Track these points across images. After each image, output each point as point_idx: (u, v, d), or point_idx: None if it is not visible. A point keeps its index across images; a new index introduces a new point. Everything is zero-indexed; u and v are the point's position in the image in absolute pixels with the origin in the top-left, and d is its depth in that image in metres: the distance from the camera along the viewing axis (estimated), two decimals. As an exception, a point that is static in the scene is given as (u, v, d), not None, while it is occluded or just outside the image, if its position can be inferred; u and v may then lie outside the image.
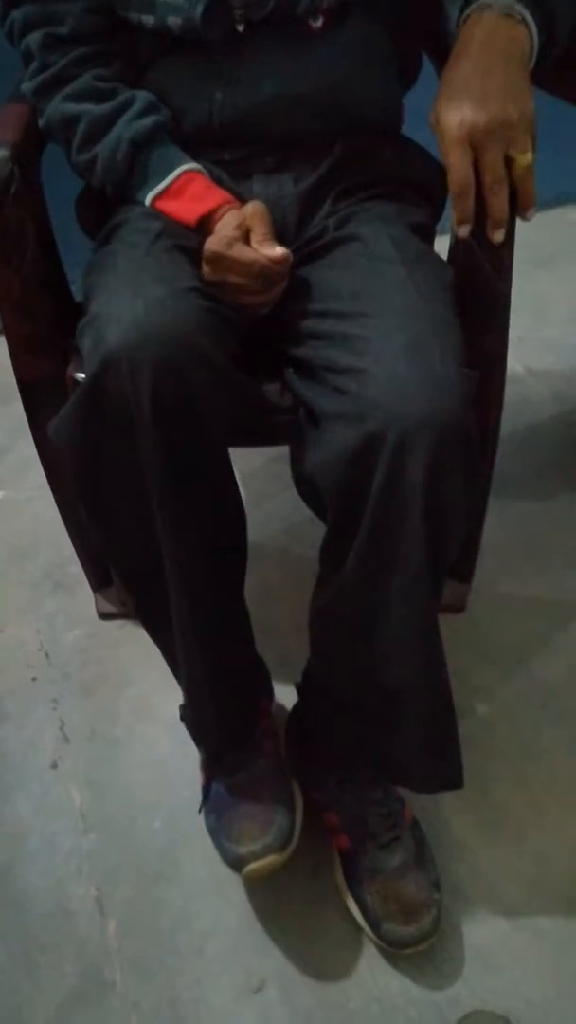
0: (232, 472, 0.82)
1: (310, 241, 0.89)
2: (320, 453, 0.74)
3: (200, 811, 0.92)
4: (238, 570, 0.88)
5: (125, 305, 0.70)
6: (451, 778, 0.84)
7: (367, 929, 0.88)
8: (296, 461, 0.80)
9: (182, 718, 0.95)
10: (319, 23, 0.83)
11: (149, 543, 0.77)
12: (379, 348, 0.72)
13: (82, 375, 0.90)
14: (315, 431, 0.77)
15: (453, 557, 0.77)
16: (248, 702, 0.93)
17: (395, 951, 0.86)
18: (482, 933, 0.89)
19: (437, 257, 0.88)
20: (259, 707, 0.95)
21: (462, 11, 0.80)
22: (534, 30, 0.77)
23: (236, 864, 0.86)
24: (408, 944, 0.86)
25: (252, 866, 0.85)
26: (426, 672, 0.79)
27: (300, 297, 0.85)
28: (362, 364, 0.72)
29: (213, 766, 0.92)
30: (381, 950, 0.88)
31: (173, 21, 0.82)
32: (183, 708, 0.94)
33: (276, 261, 0.78)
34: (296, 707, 0.99)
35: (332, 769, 0.92)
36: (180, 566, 0.78)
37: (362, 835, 0.90)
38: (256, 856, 0.85)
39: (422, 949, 0.86)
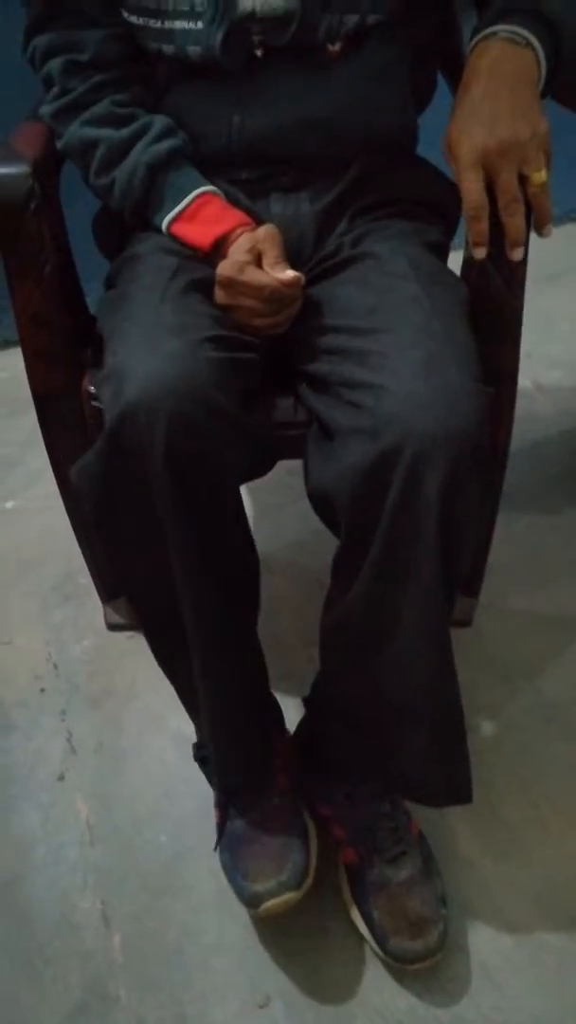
0: (245, 517, 0.82)
1: (326, 258, 0.90)
2: (335, 467, 0.75)
3: (215, 848, 0.92)
4: (252, 610, 0.88)
5: (141, 360, 0.72)
6: (460, 792, 0.84)
7: (373, 944, 0.88)
8: (310, 475, 0.81)
9: (196, 758, 0.95)
10: (337, 48, 0.84)
11: (165, 587, 0.78)
12: (395, 364, 0.73)
13: (94, 387, 0.91)
14: (329, 445, 0.78)
15: (466, 570, 0.77)
16: (263, 741, 0.92)
17: (402, 967, 0.86)
18: (488, 950, 0.89)
19: (452, 274, 0.88)
20: (273, 745, 0.95)
21: (472, 36, 0.82)
22: (541, 55, 0.79)
23: (252, 902, 0.86)
24: (415, 959, 0.85)
25: (268, 904, 0.85)
26: (437, 685, 0.79)
27: (315, 314, 0.86)
28: (378, 379, 0.73)
29: (228, 804, 0.92)
30: (387, 966, 0.88)
31: (193, 51, 0.83)
32: (197, 747, 0.95)
33: (287, 284, 0.79)
34: (303, 721, 0.99)
35: (339, 783, 0.92)
36: (196, 610, 0.78)
37: (369, 849, 0.90)
38: (272, 894, 0.85)
39: (428, 965, 0.86)
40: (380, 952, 0.87)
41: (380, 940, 0.87)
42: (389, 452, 0.69)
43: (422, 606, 0.74)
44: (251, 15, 0.81)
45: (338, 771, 0.93)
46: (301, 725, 1.00)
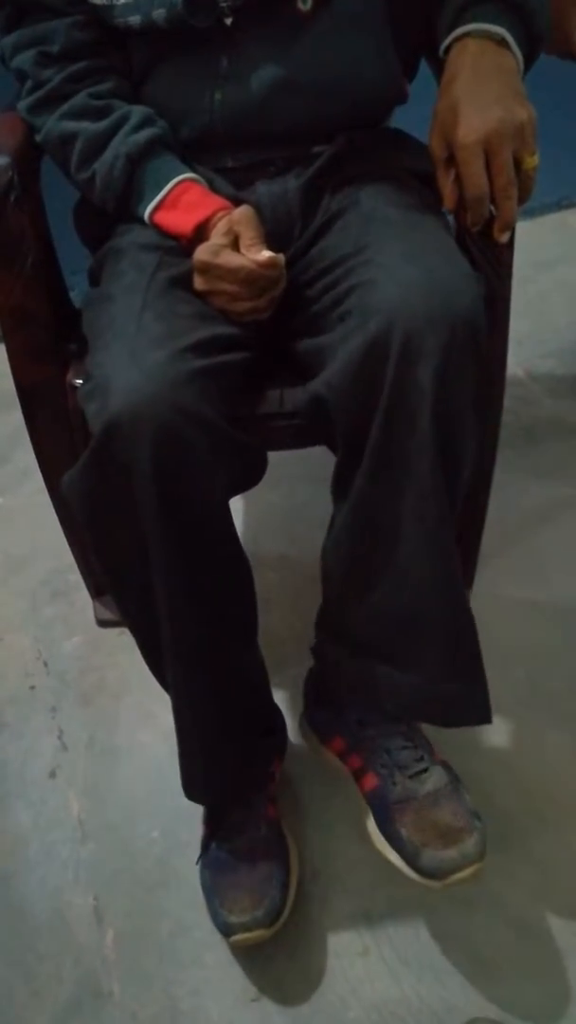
0: (234, 530, 0.81)
1: (314, 226, 0.90)
2: (328, 372, 0.74)
3: (197, 863, 0.91)
4: (243, 628, 0.86)
5: (124, 374, 0.72)
6: (478, 708, 0.81)
7: (406, 869, 0.82)
8: (306, 388, 0.79)
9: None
10: (308, 6, 0.83)
11: (153, 601, 0.77)
12: (381, 260, 0.73)
13: (79, 381, 0.90)
14: (323, 360, 0.77)
15: (466, 484, 0.76)
16: (246, 766, 0.90)
17: (440, 881, 0.79)
18: (483, 940, 0.88)
19: (434, 204, 0.86)
20: (266, 772, 0.93)
21: (441, 27, 0.81)
22: (516, 49, 0.79)
23: (224, 930, 0.85)
24: (451, 870, 0.79)
25: (239, 936, 0.84)
26: (443, 595, 0.77)
27: (306, 269, 0.85)
28: (366, 277, 0.72)
29: (214, 826, 0.91)
30: (380, 958, 0.87)
31: (158, 15, 0.81)
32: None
33: (263, 265, 0.78)
34: (312, 670, 0.97)
35: (353, 713, 0.90)
36: (175, 627, 0.78)
37: (389, 768, 0.86)
38: (245, 927, 0.84)
39: (467, 876, 0.79)
40: (414, 875, 0.81)
41: (411, 858, 0.81)
42: (378, 339, 0.68)
43: (420, 509, 0.73)
44: None
45: (349, 702, 0.90)
46: (310, 675, 0.98)
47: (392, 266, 0.71)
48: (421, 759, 0.87)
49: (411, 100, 0.97)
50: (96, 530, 0.76)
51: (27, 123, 0.91)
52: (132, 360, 0.72)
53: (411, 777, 0.85)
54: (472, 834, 0.81)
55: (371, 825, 0.88)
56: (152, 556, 0.74)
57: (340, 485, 0.79)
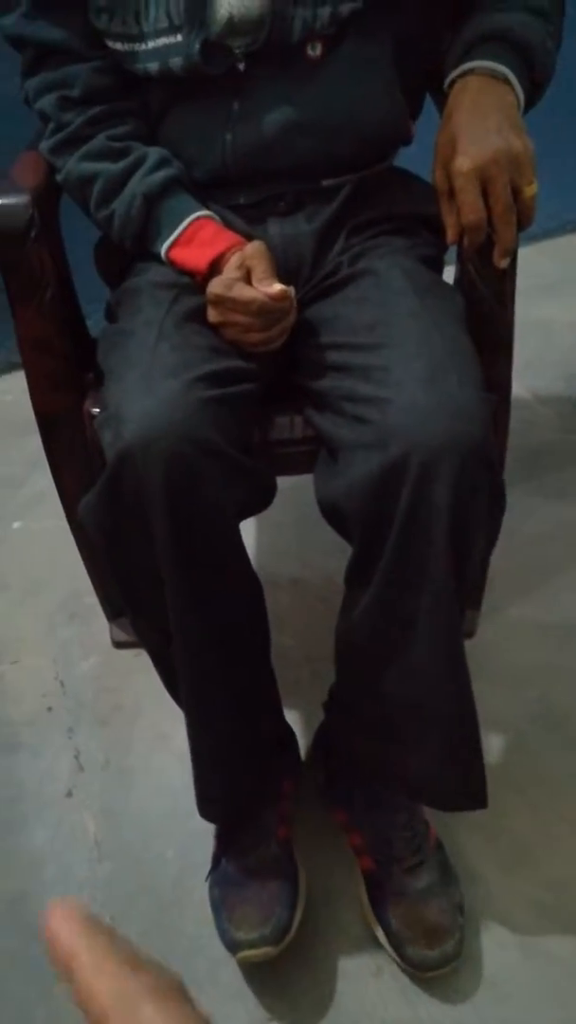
0: (244, 552, 0.83)
1: (326, 278, 0.92)
2: (343, 481, 0.76)
3: (207, 879, 0.92)
4: (255, 649, 0.88)
5: (138, 403, 0.74)
6: (476, 795, 0.84)
7: (391, 951, 0.88)
8: (319, 488, 0.82)
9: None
10: (317, 52, 0.85)
11: (167, 622, 0.79)
12: (398, 377, 0.75)
13: (96, 410, 0.93)
14: (336, 462, 0.79)
15: (476, 575, 0.78)
16: (258, 784, 0.91)
17: (419, 974, 0.87)
18: (494, 961, 0.89)
19: (448, 286, 0.90)
20: (279, 791, 0.94)
21: (446, 64, 0.84)
22: (518, 88, 0.82)
23: (231, 947, 0.87)
24: (431, 967, 0.86)
25: (245, 953, 0.86)
26: (451, 690, 0.80)
27: (317, 332, 0.87)
28: (382, 393, 0.74)
29: (225, 843, 0.92)
30: (392, 978, 0.88)
31: (175, 63, 0.85)
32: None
33: (275, 298, 0.80)
34: (322, 725, 1.00)
35: (357, 790, 0.93)
36: (188, 648, 0.80)
37: (387, 858, 0.90)
38: (252, 945, 0.85)
39: (445, 972, 0.86)
40: (398, 959, 0.87)
41: (397, 947, 0.87)
42: (396, 464, 0.71)
43: (434, 613, 0.75)
44: (229, 21, 0.83)
45: (356, 776, 0.93)
46: (319, 732, 1.00)
47: (410, 388, 0.73)
48: (418, 850, 0.90)
49: (419, 135, 1.00)
50: (112, 554, 0.79)
51: (49, 162, 0.94)
52: (146, 389, 0.75)
53: (406, 871, 0.89)
54: (454, 935, 0.87)
55: (364, 899, 0.92)
56: (165, 579, 0.76)
57: (355, 576, 0.81)
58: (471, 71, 0.82)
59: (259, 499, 0.84)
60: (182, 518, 0.73)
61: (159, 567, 0.75)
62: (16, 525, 1.48)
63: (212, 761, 0.87)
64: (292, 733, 0.99)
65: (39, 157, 0.95)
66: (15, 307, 0.93)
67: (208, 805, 0.89)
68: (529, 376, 1.63)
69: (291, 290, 0.81)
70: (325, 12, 0.82)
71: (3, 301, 0.93)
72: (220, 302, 0.81)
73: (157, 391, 0.74)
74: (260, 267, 0.82)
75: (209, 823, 0.95)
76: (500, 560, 1.16)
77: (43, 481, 1.07)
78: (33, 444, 1.03)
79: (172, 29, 0.83)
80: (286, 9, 0.82)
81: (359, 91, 0.88)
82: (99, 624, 1.25)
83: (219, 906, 0.89)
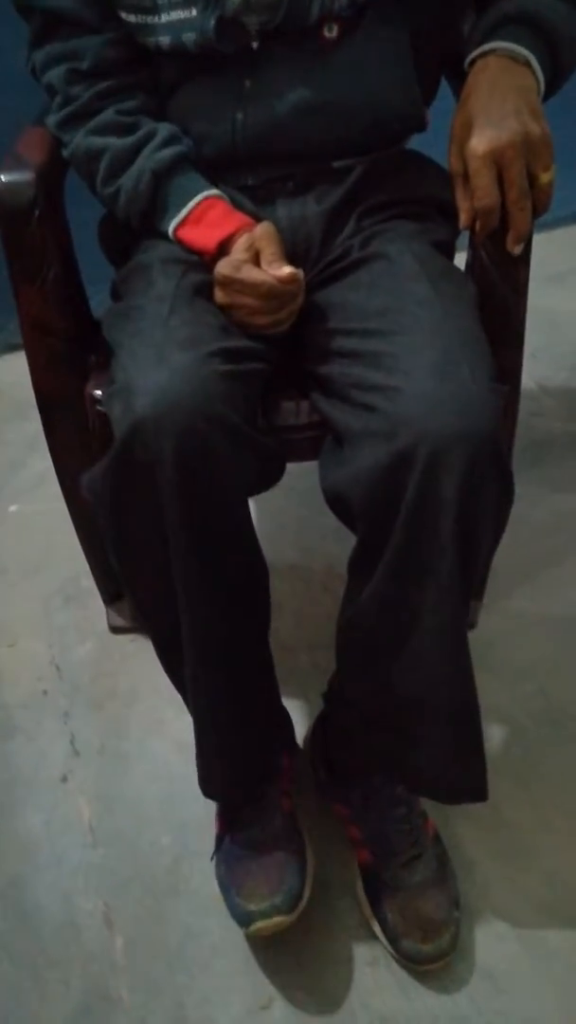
0: (253, 532, 0.82)
1: (335, 261, 0.90)
2: (350, 470, 0.75)
3: (212, 859, 0.92)
4: (257, 624, 0.87)
5: (151, 375, 0.73)
6: (476, 789, 0.83)
7: (386, 944, 0.88)
8: (324, 477, 0.81)
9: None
10: (334, 34, 0.84)
11: (171, 599, 0.78)
12: (408, 365, 0.73)
13: (99, 392, 0.91)
14: (342, 449, 0.78)
15: (484, 570, 0.77)
16: (260, 759, 0.91)
17: (413, 967, 0.87)
18: (491, 953, 0.88)
19: (460, 273, 0.89)
20: (279, 766, 0.94)
21: (469, 47, 0.82)
22: (539, 72, 0.80)
23: (243, 920, 0.86)
24: (426, 961, 0.86)
25: (258, 924, 0.85)
26: (454, 683, 0.79)
27: (326, 317, 0.86)
28: (391, 381, 0.73)
29: (228, 818, 0.92)
30: (390, 969, 0.88)
31: (188, 38, 0.83)
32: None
33: (284, 281, 0.79)
34: (321, 716, 0.99)
35: (356, 784, 0.92)
36: (194, 624, 0.79)
37: (384, 852, 0.90)
38: (264, 915, 0.85)
39: (440, 966, 0.86)
40: (393, 952, 0.87)
41: (392, 940, 0.87)
42: (404, 454, 0.69)
43: (439, 606, 0.74)
44: (245, 1, 0.81)
45: (355, 768, 0.93)
46: (317, 724, 0.99)
47: (420, 377, 0.72)
48: (415, 843, 0.90)
49: (434, 119, 0.98)
50: (117, 528, 0.77)
51: (54, 138, 0.92)
52: (159, 362, 0.73)
53: (403, 865, 0.89)
54: (449, 928, 0.87)
55: (360, 891, 0.92)
56: (172, 554, 0.75)
57: (358, 566, 0.80)
58: (492, 51, 0.80)
59: (270, 475, 0.84)
60: (193, 492, 0.72)
61: (165, 540, 0.75)
62: (13, 508, 1.47)
63: (217, 737, 0.86)
64: (286, 711, 0.98)
65: (45, 133, 0.93)
66: (17, 287, 0.92)
67: (212, 782, 0.89)
68: (536, 366, 1.62)
69: (300, 273, 0.80)
70: None
71: (5, 280, 0.92)
72: (228, 283, 0.80)
73: (170, 363, 0.73)
74: (269, 249, 0.80)
75: (205, 810, 0.95)
76: (504, 551, 1.14)
77: (42, 464, 1.06)
78: (31, 427, 1.02)
79: (187, 3, 0.81)
80: None
81: (374, 75, 0.86)
82: (96, 608, 1.24)
83: (227, 883, 0.89)
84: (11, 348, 1.77)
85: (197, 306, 0.81)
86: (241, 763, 0.88)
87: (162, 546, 0.75)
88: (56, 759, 1.09)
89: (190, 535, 0.74)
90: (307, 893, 0.88)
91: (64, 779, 1.07)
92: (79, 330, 0.98)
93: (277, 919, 0.85)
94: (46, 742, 1.11)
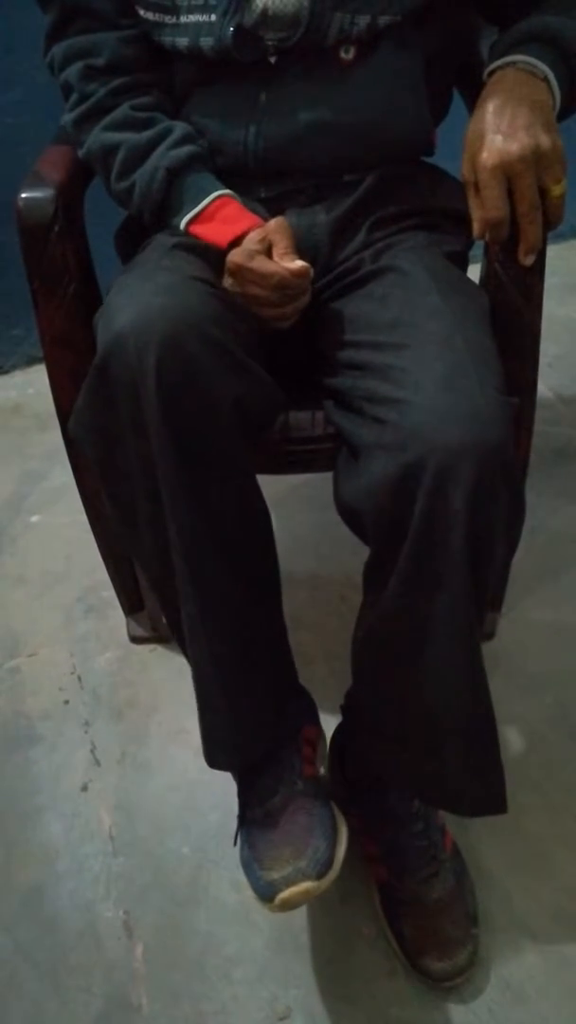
0: (247, 463, 0.80)
1: (346, 273, 0.91)
2: (361, 482, 0.75)
3: (235, 843, 0.87)
4: (262, 575, 0.85)
5: (133, 294, 0.73)
6: (494, 801, 0.82)
7: (403, 960, 0.88)
8: (337, 489, 0.81)
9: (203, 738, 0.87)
10: (350, 56, 0.85)
11: (167, 533, 0.77)
12: (418, 378, 0.73)
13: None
14: (355, 461, 0.78)
15: (496, 581, 0.77)
16: (271, 709, 0.87)
17: (430, 985, 0.86)
18: (510, 964, 0.88)
19: (473, 284, 0.89)
20: (297, 730, 0.90)
21: (490, 59, 0.83)
22: (556, 90, 0.80)
23: (267, 892, 0.78)
24: (443, 979, 0.86)
25: (284, 894, 0.77)
26: (469, 695, 0.78)
27: (339, 329, 0.86)
28: (401, 394, 0.73)
29: (246, 793, 0.88)
30: (409, 980, 0.88)
31: (205, 43, 0.84)
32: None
33: (295, 274, 0.79)
34: (339, 729, 0.99)
35: (373, 798, 0.92)
36: (187, 558, 0.77)
37: (401, 869, 0.89)
38: (288, 881, 0.77)
39: (458, 983, 0.86)
40: (410, 969, 0.87)
41: (410, 956, 0.87)
42: (413, 466, 0.70)
43: (451, 617, 0.74)
44: (263, 12, 0.82)
45: (372, 782, 0.92)
46: (335, 736, 0.99)
47: (429, 389, 0.72)
48: (433, 860, 0.89)
49: (447, 131, 0.99)
50: (105, 464, 0.77)
51: (74, 154, 0.93)
52: (142, 282, 0.74)
53: (420, 882, 0.88)
54: (467, 947, 0.87)
55: (378, 906, 0.92)
56: (160, 478, 0.73)
57: (372, 578, 0.80)
58: (511, 64, 0.81)
59: (262, 403, 0.81)
60: (176, 406, 0.71)
61: (154, 471, 0.73)
62: (35, 519, 1.49)
63: (222, 695, 0.82)
64: (304, 688, 0.95)
65: (66, 152, 0.94)
66: (38, 302, 0.93)
67: (219, 750, 0.85)
68: (553, 375, 1.62)
69: (310, 268, 0.81)
70: (363, 21, 0.82)
71: (26, 296, 0.94)
72: (239, 272, 0.80)
73: (156, 280, 0.73)
74: (282, 242, 0.81)
75: (225, 819, 0.95)
76: (520, 560, 1.14)
77: (63, 476, 1.07)
78: (53, 439, 1.03)
79: (207, 8, 0.83)
80: (324, 12, 0.81)
81: (388, 99, 0.87)
82: (116, 619, 1.25)
83: (249, 860, 0.82)
84: (32, 361, 1.80)
85: (191, 255, 0.81)
86: (252, 724, 0.84)
87: (151, 476, 0.74)
88: (77, 768, 1.10)
89: (176, 455, 0.72)
90: (339, 858, 0.80)
91: (85, 788, 1.08)
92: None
93: (304, 885, 0.76)
94: (67, 751, 1.12)
